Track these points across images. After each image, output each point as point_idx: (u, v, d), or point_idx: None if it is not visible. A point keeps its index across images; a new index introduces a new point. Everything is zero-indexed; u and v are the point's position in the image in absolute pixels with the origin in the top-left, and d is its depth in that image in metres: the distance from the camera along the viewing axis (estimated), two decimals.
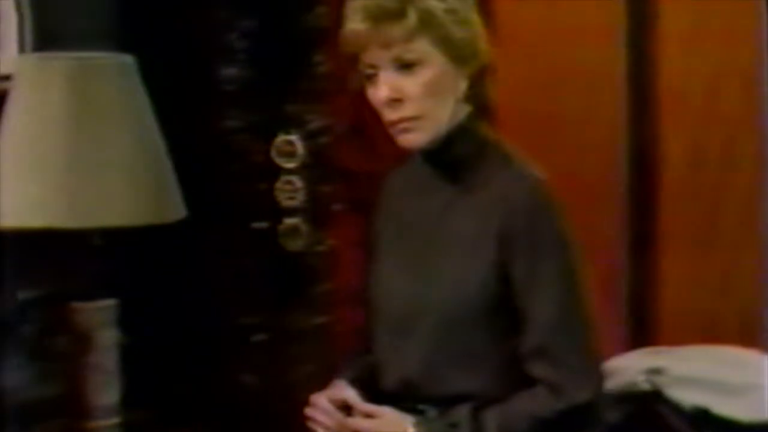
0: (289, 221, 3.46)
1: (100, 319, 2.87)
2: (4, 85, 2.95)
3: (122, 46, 3.11)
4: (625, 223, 3.28)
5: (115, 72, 2.88)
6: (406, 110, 2.33)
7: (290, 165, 3.46)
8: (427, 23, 2.32)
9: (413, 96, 2.33)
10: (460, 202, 2.37)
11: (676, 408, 2.84)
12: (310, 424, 2.40)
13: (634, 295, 3.27)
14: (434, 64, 2.33)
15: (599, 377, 2.38)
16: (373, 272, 2.46)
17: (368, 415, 2.35)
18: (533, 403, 2.31)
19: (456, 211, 2.37)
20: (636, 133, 3.31)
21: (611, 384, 2.92)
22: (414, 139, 2.35)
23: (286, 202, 3.44)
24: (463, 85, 2.37)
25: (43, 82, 2.84)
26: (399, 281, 2.39)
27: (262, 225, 3.43)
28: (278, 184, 3.45)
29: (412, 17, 2.31)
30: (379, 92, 2.33)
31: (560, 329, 2.32)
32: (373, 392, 2.40)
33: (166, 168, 2.90)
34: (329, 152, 3.41)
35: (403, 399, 2.36)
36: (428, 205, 2.40)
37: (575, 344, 2.33)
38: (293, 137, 3.46)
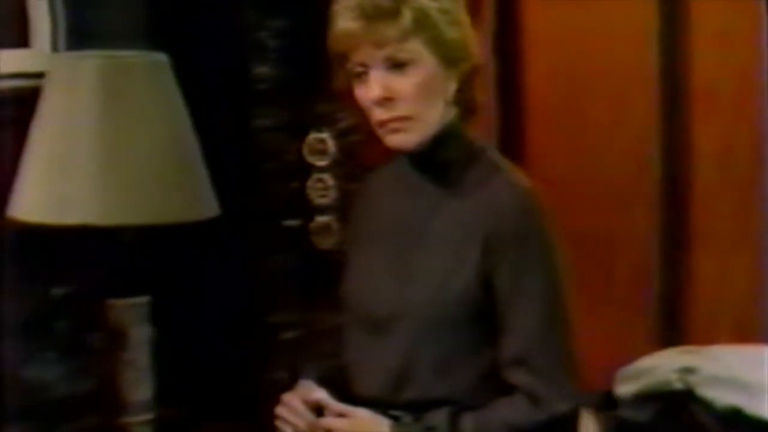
0: (321, 219, 3.46)
1: (133, 315, 2.88)
2: (37, 83, 2.96)
3: (155, 45, 3.12)
4: (656, 222, 3.28)
5: (148, 70, 2.89)
6: (398, 110, 2.31)
7: (322, 163, 3.46)
8: (421, 23, 2.30)
9: (405, 96, 2.30)
10: (445, 205, 2.34)
11: (708, 407, 2.83)
12: (280, 424, 2.38)
13: (665, 295, 3.26)
14: (426, 64, 2.31)
15: (578, 389, 2.32)
16: (351, 272, 2.43)
17: (341, 415, 2.32)
18: (512, 411, 2.27)
19: (441, 215, 2.34)
20: (667, 133, 3.30)
21: (643, 383, 2.92)
22: (404, 139, 2.32)
23: (318, 200, 3.44)
24: (452, 87, 2.33)
25: (75, 81, 2.85)
26: (378, 282, 2.36)
27: (294, 223, 3.44)
28: (310, 182, 3.45)
29: (406, 16, 2.29)
30: (371, 92, 2.31)
31: (542, 339, 2.28)
32: (342, 395, 2.37)
33: (198, 166, 2.91)
34: (360, 150, 3.42)
35: (377, 404, 2.33)
36: (412, 207, 2.37)
37: (557, 355, 2.28)
38: (325, 135, 3.46)
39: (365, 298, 2.37)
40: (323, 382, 2.39)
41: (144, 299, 2.89)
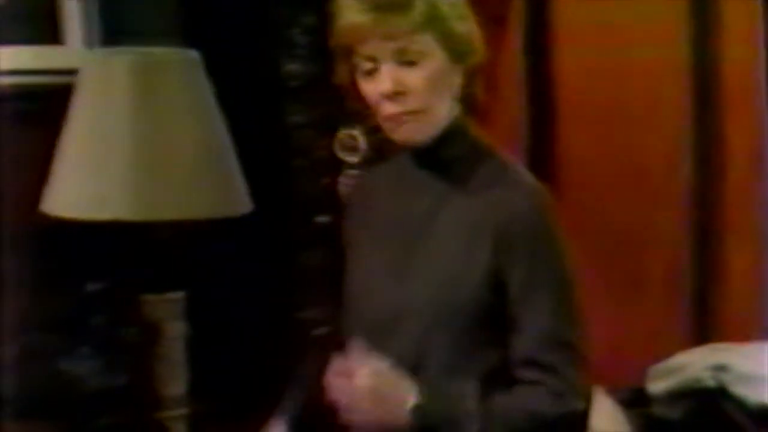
0: None
1: (167, 311, 2.89)
2: (70, 79, 2.98)
3: (187, 42, 3.14)
4: (690, 219, 3.28)
5: (180, 67, 2.90)
6: (408, 104, 2.29)
7: (352, 159, 3.47)
8: (432, 16, 2.28)
9: (416, 89, 2.28)
10: (451, 203, 2.32)
11: (740, 405, 2.83)
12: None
13: (698, 291, 3.26)
14: (436, 58, 2.29)
15: (590, 387, 2.32)
16: (353, 274, 2.41)
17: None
18: (535, 401, 2.25)
19: (447, 213, 2.32)
20: (700, 129, 3.30)
21: (675, 380, 2.92)
22: (413, 133, 2.30)
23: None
24: (457, 82, 2.33)
25: (108, 77, 2.86)
26: (383, 282, 2.33)
27: (325, 219, 3.45)
28: (341, 179, 3.46)
29: (418, 9, 2.27)
30: (382, 85, 2.28)
31: (557, 338, 2.26)
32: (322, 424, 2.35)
33: (231, 162, 2.92)
34: (391, 147, 3.42)
35: None
36: (416, 206, 2.34)
37: (571, 354, 2.27)
38: (355, 132, 3.47)
39: (368, 300, 2.35)
40: (296, 420, 2.39)
41: (178, 295, 2.90)
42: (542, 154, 3.50)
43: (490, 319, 2.28)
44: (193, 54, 2.93)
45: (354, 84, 2.34)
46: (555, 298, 2.27)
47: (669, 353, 3.03)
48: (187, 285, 2.91)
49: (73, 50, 3.21)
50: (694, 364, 2.90)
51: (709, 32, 3.30)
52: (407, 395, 2.25)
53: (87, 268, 3.21)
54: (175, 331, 2.89)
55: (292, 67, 3.48)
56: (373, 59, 2.28)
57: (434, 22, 2.28)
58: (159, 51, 2.95)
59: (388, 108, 2.29)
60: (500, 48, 3.55)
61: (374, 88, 2.30)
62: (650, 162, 3.32)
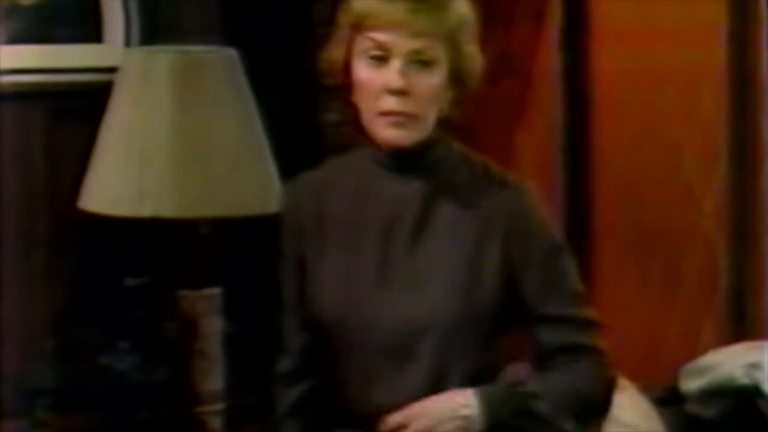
0: None
1: (205, 306, 2.91)
2: (110, 77, 3.01)
3: (226, 40, 3.16)
4: (725, 218, 3.27)
5: (219, 65, 2.93)
6: (410, 106, 2.22)
7: None
8: (458, 28, 2.25)
9: (422, 93, 2.22)
10: (444, 208, 2.28)
11: None
12: None
13: (733, 290, 3.25)
14: (443, 69, 2.24)
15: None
16: (319, 282, 2.30)
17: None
18: (585, 376, 2.28)
19: (442, 218, 2.27)
20: (736, 130, 3.29)
21: (709, 378, 2.91)
22: (404, 136, 2.24)
23: None
24: (447, 101, 2.27)
25: (148, 76, 2.89)
26: (381, 292, 2.25)
27: None
28: None
29: (452, 15, 2.23)
30: (392, 80, 2.20)
31: (585, 320, 2.30)
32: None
33: (268, 160, 2.94)
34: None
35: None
36: (403, 212, 2.28)
37: (595, 329, 2.31)
38: None
39: (370, 320, 2.25)
40: None
41: (216, 291, 2.93)
42: (579, 153, 3.50)
43: (497, 319, 2.27)
44: (232, 52, 2.96)
45: (343, 67, 2.28)
46: (571, 282, 2.30)
47: (704, 352, 3.02)
48: (224, 281, 2.94)
49: (114, 49, 3.24)
50: (728, 362, 2.89)
51: (747, 32, 3.29)
52: (468, 408, 2.23)
53: (126, 264, 3.24)
54: (212, 326, 2.91)
55: None
56: (386, 49, 2.22)
57: (455, 33, 2.24)
58: (198, 49, 2.98)
59: (389, 104, 2.22)
60: (537, 45, 3.56)
61: (378, 78, 2.23)
62: (686, 161, 3.32)
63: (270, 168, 2.94)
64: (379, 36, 2.22)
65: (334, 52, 2.31)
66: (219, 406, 2.91)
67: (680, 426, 2.90)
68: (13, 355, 3.14)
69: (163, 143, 2.83)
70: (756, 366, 2.83)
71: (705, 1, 3.29)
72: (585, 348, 2.29)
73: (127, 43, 3.27)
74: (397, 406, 2.23)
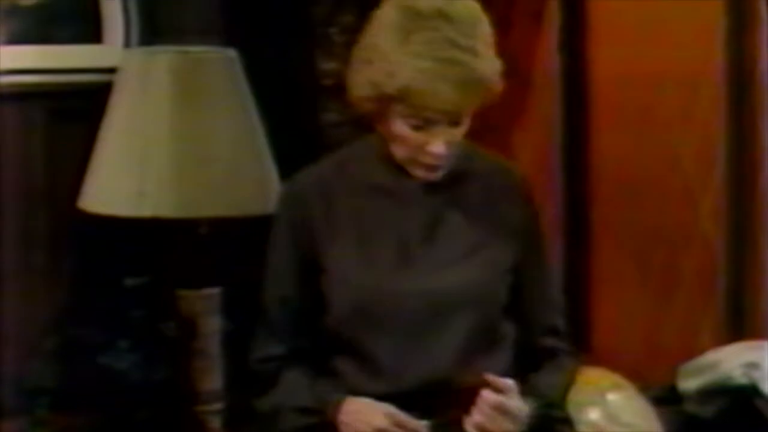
0: None
1: (204, 306, 2.92)
2: (110, 78, 3.02)
3: (226, 41, 3.17)
4: (724, 218, 3.27)
5: (219, 66, 2.94)
6: (447, 158, 2.34)
7: None
8: (492, 76, 2.33)
9: (456, 145, 2.35)
10: (455, 198, 2.39)
11: None
12: None
13: (732, 289, 3.25)
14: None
15: None
16: (344, 271, 2.38)
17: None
18: (565, 365, 2.47)
19: (455, 209, 2.39)
20: (734, 131, 3.29)
21: (707, 378, 2.91)
22: (438, 175, 2.37)
23: None
24: None
25: (147, 76, 2.90)
26: (411, 282, 2.35)
27: None
28: None
29: (488, 67, 2.30)
30: (436, 148, 2.31)
31: (561, 306, 2.50)
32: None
33: (267, 160, 2.95)
34: None
35: (418, 401, 2.33)
36: (415, 203, 2.38)
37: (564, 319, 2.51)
38: None
39: (397, 299, 2.34)
40: None
41: (215, 290, 2.94)
42: (577, 152, 3.50)
43: (505, 296, 2.41)
44: (231, 53, 2.97)
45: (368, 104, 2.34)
46: (551, 271, 2.50)
47: (702, 351, 3.03)
48: (223, 281, 2.94)
49: (113, 49, 3.25)
50: (726, 361, 2.89)
51: (745, 31, 3.29)
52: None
53: (126, 264, 3.24)
54: (212, 326, 2.92)
55: (328, 65, 3.50)
56: (430, 122, 2.30)
57: (490, 84, 2.33)
58: (197, 50, 2.99)
59: (429, 160, 2.33)
60: (535, 45, 3.56)
61: (418, 138, 2.31)
62: (685, 160, 3.32)
63: (269, 168, 2.95)
64: (427, 114, 2.29)
65: (361, 90, 2.36)
66: (218, 405, 2.92)
67: (678, 425, 2.91)
68: (13, 355, 3.15)
69: (163, 143, 2.84)
70: (754, 365, 2.84)
71: (703, 1, 3.29)
72: (563, 333, 2.49)
73: (127, 43, 3.27)
74: (429, 383, 2.32)
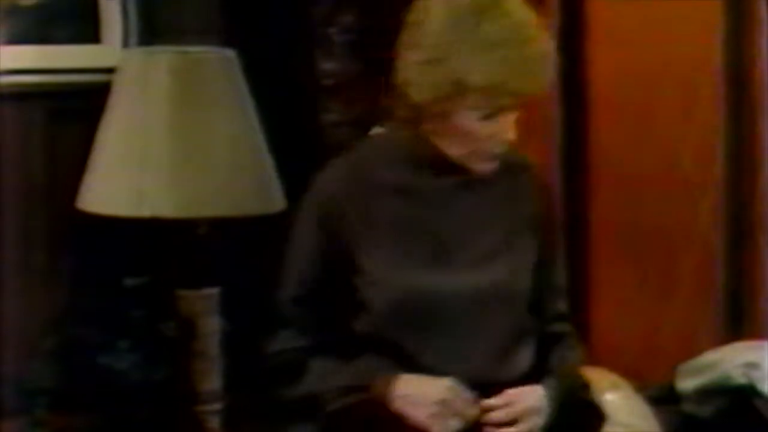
0: None
1: (203, 306, 2.92)
2: (108, 78, 3.02)
3: (225, 41, 3.17)
4: (723, 216, 3.27)
5: (218, 66, 2.93)
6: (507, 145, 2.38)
7: None
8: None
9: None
10: (485, 196, 2.41)
11: None
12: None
13: (731, 289, 3.26)
14: None
15: None
16: (381, 271, 2.37)
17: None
18: (573, 347, 2.50)
19: (486, 205, 2.41)
20: (733, 127, 3.29)
21: (705, 378, 2.92)
22: (495, 165, 2.39)
23: None
24: None
25: (146, 76, 2.90)
26: (451, 280, 2.36)
27: None
28: None
29: (548, 47, 2.37)
30: (507, 134, 2.34)
31: (564, 292, 2.53)
32: None
33: (267, 160, 2.95)
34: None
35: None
36: (448, 203, 2.39)
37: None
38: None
39: (432, 295, 2.35)
40: None
41: (214, 290, 2.94)
42: (576, 152, 3.50)
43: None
44: (230, 53, 2.97)
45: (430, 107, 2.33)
46: (561, 255, 2.52)
47: (700, 351, 3.03)
48: (222, 281, 2.94)
49: (112, 49, 3.25)
50: (725, 361, 2.90)
51: (743, 30, 3.29)
52: (544, 400, 2.36)
53: (126, 264, 3.25)
54: (211, 326, 2.92)
55: (328, 65, 3.50)
56: (503, 110, 2.32)
57: None
58: (196, 50, 2.99)
59: (498, 149, 2.35)
60: None
61: (487, 128, 2.33)
62: (683, 159, 3.33)
63: (268, 168, 2.95)
64: (503, 100, 2.31)
65: (430, 91, 2.33)
66: (217, 405, 2.92)
67: (676, 425, 2.91)
68: (12, 355, 3.15)
69: (162, 143, 2.84)
70: (753, 365, 2.84)
71: (701, 1, 3.29)
72: (568, 318, 2.52)
73: (126, 43, 3.27)
74: (471, 382, 2.32)
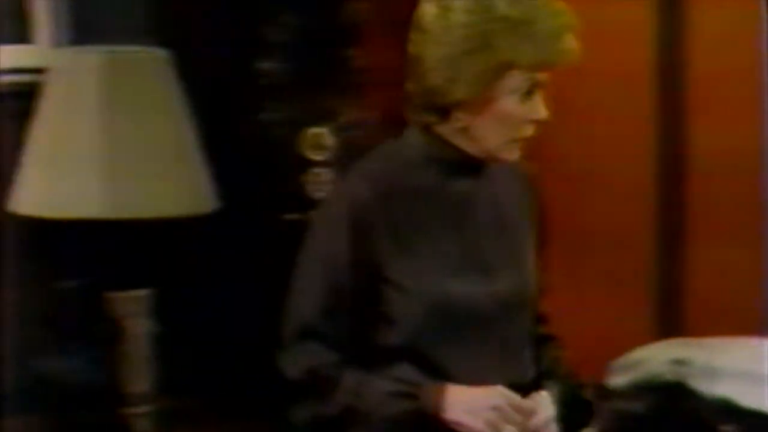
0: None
1: (133, 308, 2.91)
2: (38, 78, 2.99)
3: (159, 40, 3.15)
4: (655, 216, 3.30)
5: (149, 66, 2.92)
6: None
7: (319, 158, 3.48)
8: None
9: None
10: (500, 199, 2.40)
11: (699, 399, 2.85)
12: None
13: (662, 287, 3.28)
14: None
15: None
16: (417, 275, 2.33)
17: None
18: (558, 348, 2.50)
19: (501, 209, 2.40)
20: (665, 129, 3.32)
21: (635, 374, 2.94)
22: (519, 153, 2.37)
23: (316, 195, 3.46)
24: None
25: (76, 76, 2.88)
26: (481, 283, 2.34)
27: (294, 216, 3.45)
28: (308, 177, 3.47)
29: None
30: (542, 112, 2.31)
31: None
32: None
33: (198, 161, 2.94)
34: (361, 145, 3.44)
35: None
36: (469, 207, 2.37)
37: None
38: (323, 130, 3.49)
39: (466, 298, 2.33)
40: None
41: (143, 292, 2.92)
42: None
43: None
44: (162, 53, 2.95)
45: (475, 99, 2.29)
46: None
47: (635, 348, 3.05)
48: (153, 282, 2.93)
49: (42, 49, 3.23)
50: (654, 358, 2.92)
51: (675, 34, 3.32)
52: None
53: (54, 266, 3.22)
54: (140, 328, 2.90)
55: (265, 65, 3.50)
56: (540, 85, 2.30)
57: None
58: (127, 50, 2.97)
59: (530, 131, 2.33)
60: None
61: (523, 110, 2.30)
62: (617, 162, 3.35)
63: (200, 169, 2.93)
64: (541, 76, 2.30)
65: (478, 81, 2.29)
66: (147, 408, 2.91)
67: (609, 421, 2.93)
68: None
69: (92, 144, 2.83)
70: (681, 362, 2.86)
71: (632, 3, 3.32)
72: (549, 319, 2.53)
73: (56, 43, 3.25)
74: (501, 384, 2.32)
